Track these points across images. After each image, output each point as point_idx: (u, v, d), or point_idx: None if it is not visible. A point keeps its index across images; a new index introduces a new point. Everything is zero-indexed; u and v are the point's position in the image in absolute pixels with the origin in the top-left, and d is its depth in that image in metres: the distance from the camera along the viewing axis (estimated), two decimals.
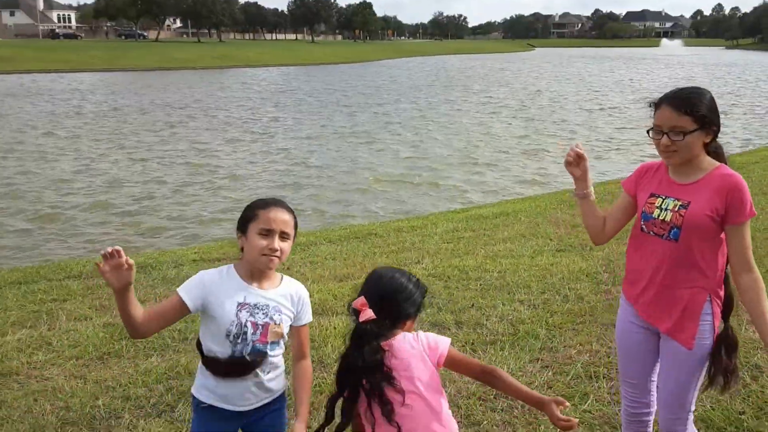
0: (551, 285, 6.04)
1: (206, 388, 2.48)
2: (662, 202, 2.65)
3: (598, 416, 3.69)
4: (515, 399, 3.87)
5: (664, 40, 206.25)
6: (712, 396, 3.81)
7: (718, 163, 2.62)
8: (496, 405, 3.84)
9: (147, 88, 40.90)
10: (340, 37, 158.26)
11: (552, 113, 28.80)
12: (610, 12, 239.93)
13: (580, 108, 30.92)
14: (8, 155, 18.39)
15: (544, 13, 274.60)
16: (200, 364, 2.53)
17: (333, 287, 6.31)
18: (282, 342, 2.52)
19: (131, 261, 2.23)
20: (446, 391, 3.88)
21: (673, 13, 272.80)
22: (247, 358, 2.41)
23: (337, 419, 2.36)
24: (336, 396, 2.35)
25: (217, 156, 18.75)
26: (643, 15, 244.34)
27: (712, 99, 2.59)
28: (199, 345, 2.51)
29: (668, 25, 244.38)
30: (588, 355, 4.50)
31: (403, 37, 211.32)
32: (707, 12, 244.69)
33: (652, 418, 2.90)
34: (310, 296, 6.08)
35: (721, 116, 2.65)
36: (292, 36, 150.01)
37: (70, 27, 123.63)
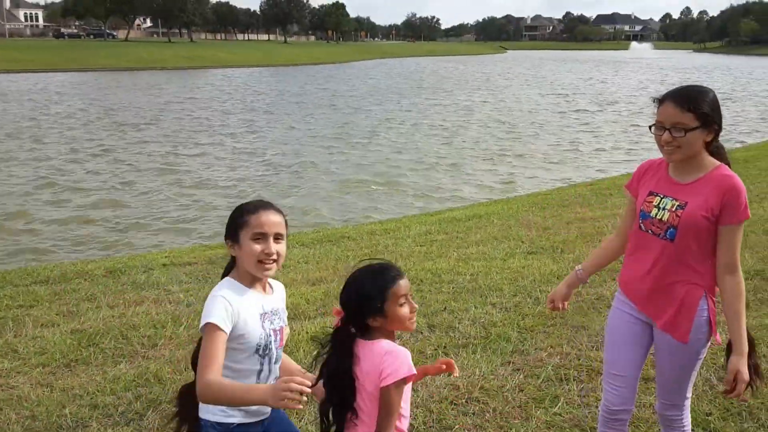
0: (523, 288, 6.08)
1: (238, 409, 2.33)
2: (660, 201, 2.67)
3: (568, 419, 3.72)
4: (486, 403, 3.90)
5: (634, 43, 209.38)
6: None
7: (718, 163, 2.64)
8: (468, 409, 3.85)
9: (114, 89, 40.35)
10: (313, 38, 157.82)
11: (526, 115, 29.03)
12: (581, 15, 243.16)
13: (552, 111, 31.22)
14: None
15: (516, 15, 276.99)
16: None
17: (305, 291, 6.29)
18: None
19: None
20: (418, 395, 3.90)
21: (643, 17, 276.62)
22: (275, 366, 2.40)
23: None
24: (326, 403, 2.32)
25: (184, 160, 18.57)
26: (613, 18, 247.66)
27: (715, 98, 2.60)
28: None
29: (638, 28, 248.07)
30: (559, 357, 4.54)
31: (376, 39, 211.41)
32: (676, 15, 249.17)
33: (629, 417, 2.91)
34: (282, 301, 6.06)
35: None
36: (265, 36, 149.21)
37: (37, 26, 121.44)
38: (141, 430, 3.75)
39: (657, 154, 2.83)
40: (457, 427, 3.69)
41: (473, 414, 3.81)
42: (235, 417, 2.34)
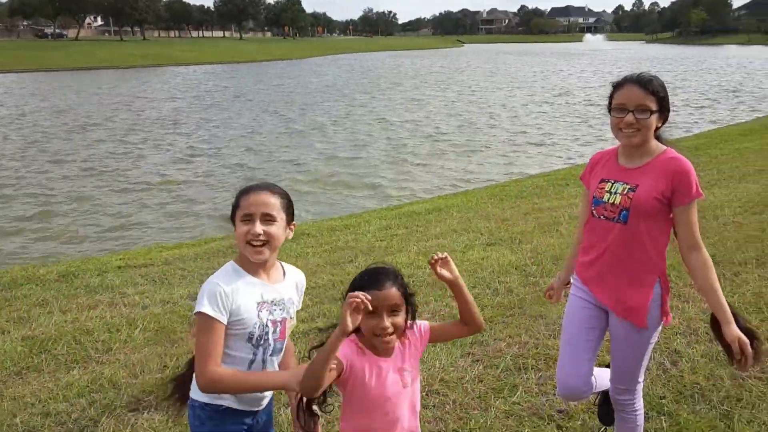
0: (482, 279, 6.12)
1: (229, 395, 2.32)
2: (611, 186, 2.73)
3: (526, 407, 3.76)
4: (446, 395, 3.91)
5: (588, 35, 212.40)
6: None
7: (665, 147, 2.71)
8: (428, 401, 3.86)
9: (60, 90, 39.40)
10: (269, 34, 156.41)
11: (483, 108, 29.24)
12: (536, 8, 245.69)
13: (508, 104, 31.52)
14: None
15: (472, 9, 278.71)
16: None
17: None
18: None
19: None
20: None
21: (596, 9, 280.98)
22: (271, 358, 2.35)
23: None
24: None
25: (140, 158, 18.24)
26: (567, 11, 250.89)
27: (665, 85, 2.70)
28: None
29: (591, 20, 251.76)
30: (517, 347, 4.58)
31: (333, 34, 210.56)
32: (628, 7, 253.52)
33: (592, 381, 2.95)
34: None
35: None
36: (220, 33, 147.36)
37: None
38: None
39: (613, 143, 2.87)
40: None
41: (433, 406, 3.82)
42: (224, 400, 2.29)
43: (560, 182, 11.64)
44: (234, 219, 2.31)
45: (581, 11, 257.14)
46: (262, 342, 2.28)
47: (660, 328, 2.80)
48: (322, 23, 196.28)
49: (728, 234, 6.96)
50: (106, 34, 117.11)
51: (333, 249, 7.90)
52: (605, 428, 3.36)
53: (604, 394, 3.20)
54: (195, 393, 2.32)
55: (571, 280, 3.03)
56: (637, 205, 2.63)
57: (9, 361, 4.72)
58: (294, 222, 2.39)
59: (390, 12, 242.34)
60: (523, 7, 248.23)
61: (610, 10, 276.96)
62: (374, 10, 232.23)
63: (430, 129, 23.35)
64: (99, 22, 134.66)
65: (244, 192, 2.32)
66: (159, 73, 55.60)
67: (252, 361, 2.30)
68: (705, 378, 3.97)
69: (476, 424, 3.60)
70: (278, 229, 2.28)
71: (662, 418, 3.57)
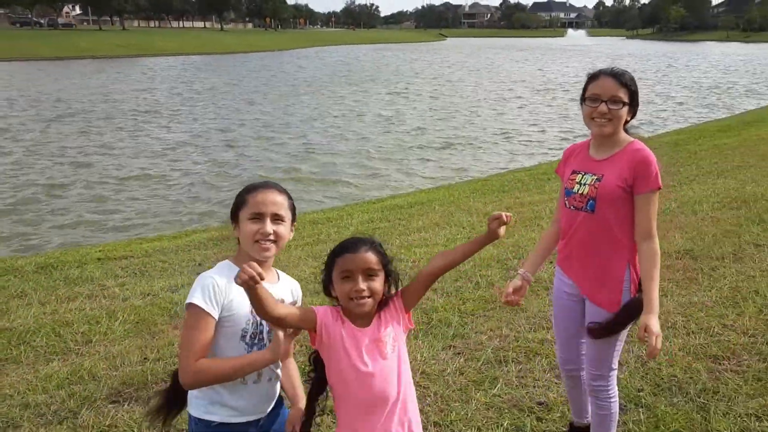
0: (464, 273, 6.15)
1: (222, 405, 2.23)
2: (581, 177, 2.84)
3: (507, 399, 3.79)
4: (427, 387, 3.93)
5: (570, 30, 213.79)
6: None
7: (632, 139, 2.82)
8: None
9: (35, 80, 38.84)
10: (250, 26, 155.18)
11: (466, 103, 29.30)
12: (518, 2, 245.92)
13: (491, 99, 31.61)
14: None
15: (454, 3, 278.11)
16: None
17: None
18: None
19: None
20: None
21: (577, 4, 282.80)
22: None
23: None
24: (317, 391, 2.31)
25: (112, 151, 18.05)
26: (549, 5, 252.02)
27: (635, 81, 2.81)
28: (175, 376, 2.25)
29: (573, 15, 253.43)
30: (498, 340, 4.61)
31: (315, 26, 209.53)
32: (609, 3, 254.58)
33: (582, 374, 3.13)
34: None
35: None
36: (200, 24, 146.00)
37: None
38: (75, 428, 3.64)
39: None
40: None
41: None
42: (215, 415, 2.22)
43: (542, 177, 11.72)
44: (237, 216, 2.27)
45: (563, 6, 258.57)
46: (256, 341, 2.24)
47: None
48: (304, 15, 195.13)
49: (706, 229, 7.06)
50: (85, 24, 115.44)
51: (315, 242, 7.89)
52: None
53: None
54: (191, 408, 2.27)
55: (555, 271, 3.11)
56: (603, 194, 2.73)
57: None
58: (295, 222, 2.37)
59: (372, 4, 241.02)
60: (505, 1, 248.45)
61: (591, 6, 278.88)
62: (356, 2, 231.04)
63: (414, 122, 23.36)
64: (77, 11, 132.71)
65: (251, 189, 2.28)
66: (139, 63, 55.00)
67: None
68: (682, 371, 4.02)
69: (457, 416, 3.63)
70: (285, 229, 2.28)
71: (640, 410, 3.62)
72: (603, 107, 2.71)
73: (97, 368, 4.34)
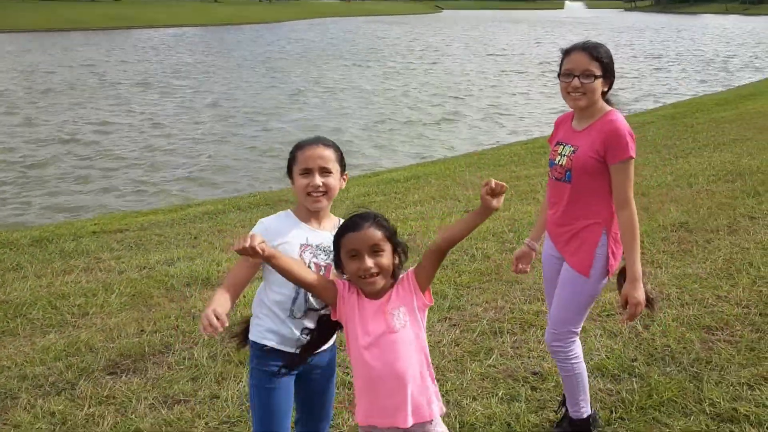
0: (459, 246, 6.05)
1: (273, 332, 2.44)
2: (563, 149, 2.93)
3: (501, 370, 3.83)
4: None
5: (568, 2, 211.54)
6: (606, 345, 4.03)
7: (609, 109, 2.88)
8: None
9: (33, 53, 38.41)
10: None
11: (463, 76, 29.12)
12: None
13: (487, 72, 31.43)
14: None
15: None
16: (257, 311, 2.51)
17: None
18: None
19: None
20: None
21: None
22: (313, 302, 2.41)
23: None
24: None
25: (107, 124, 17.94)
26: None
27: (610, 52, 2.88)
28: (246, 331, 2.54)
29: None
30: (493, 312, 4.64)
31: None
32: None
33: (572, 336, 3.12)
34: (219, 265, 5.99)
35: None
36: None
37: None
38: (73, 399, 3.67)
39: None
40: None
41: None
42: (267, 340, 2.44)
43: (538, 150, 11.69)
44: (291, 173, 2.46)
45: None
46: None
47: (604, 282, 2.93)
48: None
49: (701, 201, 7.07)
50: None
51: None
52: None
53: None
54: (251, 332, 2.50)
55: (544, 237, 3.19)
56: (577, 166, 2.82)
57: None
58: (346, 172, 2.52)
59: None
60: None
61: None
62: None
63: (410, 97, 23.24)
64: None
65: (299, 147, 2.46)
66: (136, 35, 54.40)
67: (295, 299, 2.42)
68: (676, 341, 4.06)
69: (452, 386, 3.66)
70: (335, 180, 2.44)
71: (633, 379, 3.65)
72: (576, 81, 2.78)
73: (94, 340, 4.36)
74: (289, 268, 2.21)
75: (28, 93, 22.47)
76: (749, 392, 3.47)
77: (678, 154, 10.03)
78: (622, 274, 2.89)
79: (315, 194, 2.39)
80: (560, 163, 2.90)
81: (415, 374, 2.22)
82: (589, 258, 2.86)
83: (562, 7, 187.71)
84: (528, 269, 3.23)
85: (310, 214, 2.46)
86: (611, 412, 3.37)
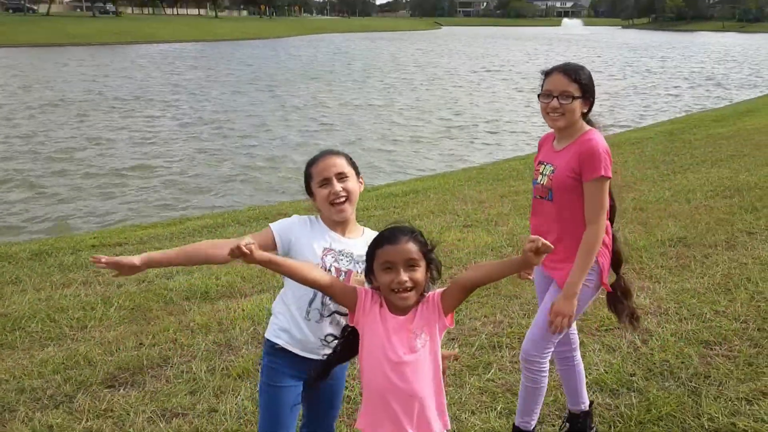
0: (458, 260, 6.17)
1: (285, 331, 2.51)
2: (544, 168, 2.99)
3: (500, 384, 3.83)
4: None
5: (565, 20, 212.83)
6: (605, 360, 4.03)
7: (588, 128, 2.91)
8: None
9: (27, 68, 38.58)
10: (245, 13, 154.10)
11: (464, 92, 29.25)
12: None
13: (487, 88, 31.57)
14: None
15: None
16: (275, 309, 2.59)
17: (241, 269, 6.22)
18: None
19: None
20: (354, 367, 3.93)
21: None
22: (329, 303, 2.45)
23: None
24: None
25: (108, 141, 17.98)
26: None
27: (590, 75, 2.93)
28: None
29: (569, 4, 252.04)
30: (492, 326, 4.64)
31: (311, 14, 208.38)
32: None
33: (573, 354, 3.21)
34: (217, 279, 5.98)
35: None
36: (195, 11, 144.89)
37: None
38: (71, 412, 3.66)
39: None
40: None
41: None
42: (278, 339, 2.52)
43: None
44: (310, 189, 2.55)
45: None
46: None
47: (593, 296, 2.96)
48: (298, 2, 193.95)
49: (699, 217, 7.09)
50: (78, 10, 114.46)
51: None
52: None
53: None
54: (266, 330, 2.59)
55: None
56: (556, 185, 2.87)
57: None
58: (361, 175, 2.60)
59: None
60: None
61: None
62: None
63: (410, 112, 23.33)
64: None
65: (312, 163, 2.55)
66: (130, 50, 54.66)
67: (312, 300, 2.47)
68: (674, 356, 4.06)
69: (451, 400, 3.65)
70: (353, 183, 2.53)
71: (632, 394, 3.65)
72: (554, 102, 2.83)
73: (92, 353, 4.36)
74: (294, 270, 2.23)
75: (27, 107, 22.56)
76: (747, 407, 3.47)
77: (676, 170, 10.06)
78: (613, 291, 2.93)
79: (338, 202, 2.47)
80: (542, 182, 2.95)
81: (428, 393, 2.24)
82: (569, 270, 2.86)
83: (559, 24, 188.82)
84: (532, 275, 3.22)
85: (335, 224, 2.53)
86: (610, 426, 3.37)
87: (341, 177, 2.49)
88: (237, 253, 2.06)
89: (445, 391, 3.67)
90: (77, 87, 28.40)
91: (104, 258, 2.38)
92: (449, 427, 2.33)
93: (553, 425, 3.40)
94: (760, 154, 10.90)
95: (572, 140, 2.89)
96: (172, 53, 51.59)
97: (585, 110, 2.90)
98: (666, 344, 4.21)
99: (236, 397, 3.75)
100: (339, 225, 2.53)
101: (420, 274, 2.20)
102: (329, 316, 2.49)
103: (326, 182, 2.48)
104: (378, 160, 15.66)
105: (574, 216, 2.85)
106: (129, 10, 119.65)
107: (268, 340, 2.56)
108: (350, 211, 2.51)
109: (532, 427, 3.13)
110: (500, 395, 3.71)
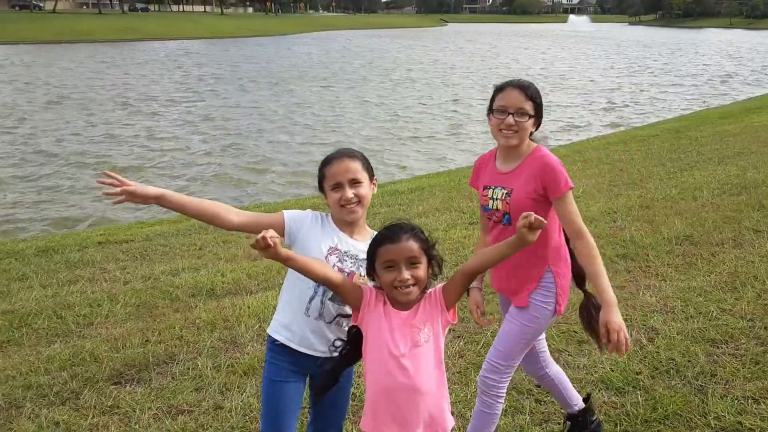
0: (464, 257, 6.16)
1: (285, 327, 2.53)
2: (492, 192, 2.82)
3: None
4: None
5: (571, 17, 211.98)
6: (610, 358, 4.01)
7: (535, 145, 2.81)
8: None
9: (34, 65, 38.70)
10: (251, 10, 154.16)
11: (468, 90, 29.21)
12: None
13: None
14: None
15: None
16: (280, 303, 2.61)
17: (247, 266, 6.23)
18: None
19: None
20: (359, 365, 3.93)
21: None
22: (329, 303, 2.46)
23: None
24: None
25: (110, 137, 18.03)
26: None
27: (540, 93, 2.83)
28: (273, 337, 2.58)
29: (575, 1, 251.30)
30: (497, 324, 4.60)
31: (318, 11, 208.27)
32: None
33: (547, 372, 3.15)
34: (223, 276, 6.00)
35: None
36: (200, 8, 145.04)
37: None
38: (78, 409, 3.68)
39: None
40: None
41: None
42: (279, 335, 2.54)
43: None
44: (323, 188, 2.56)
45: None
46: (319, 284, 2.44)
47: (551, 318, 2.83)
48: None
49: (706, 215, 7.06)
50: (84, 7, 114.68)
51: None
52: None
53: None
54: (270, 326, 2.60)
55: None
56: (515, 208, 2.70)
57: None
58: (375, 178, 2.60)
59: None
60: None
61: None
62: None
63: (415, 111, 23.30)
64: None
65: (327, 162, 2.55)
66: (137, 48, 54.75)
67: (312, 298, 2.48)
68: (680, 354, 4.05)
69: (456, 398, 3.65)
70: (365, 189, 2.52)
71: (638, 392, 3.64)
72: (510, 119, 2.71)
73: (98, 350, 4.37)
74: (308, 266, 2.26)
75: (29, 103, 22.63)
76: (754, 406, 3.46)
77: (683, 167, 10.02)
78: (584, 309, 2.81)
79: (349, 206, 2.48)
80: (495, 207, 2.80)
81: (432, 389, 2.24)
82: (530, 290, 2.79)
83: (565, 21, 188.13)
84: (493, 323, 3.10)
85: (344, 224, 2.54)
86: (616, 425, 3.37)
87: (354, 183, 2.49)
88: (262, 244, 2.08)
89: (451, 390, 3.69)
90: (82, 84, 28.47)
91: (118, 180, 2.37)
92: (453, 424, 2.34)
93: (558, 423, 3.40)
94: (767, 152, 10.84)
95: (521, 160, 2.78)
96: (176, 51, 51.65)
97: (533, 130, 2.80)
98: (672, 342, 4.20)
99: (242, 395, 3.75)
100: (348, 226, 2.54)
101: (422, 270, 2.22)
102: (331, 321, 2.49)
103: (338, 186, 2.48)
104: (384, 156, 15.65)
105: None
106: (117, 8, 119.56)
107: (269, 335, 2.58)
108: (361, 213, 2.51)
109: None
110: (506, 393, 3.70)
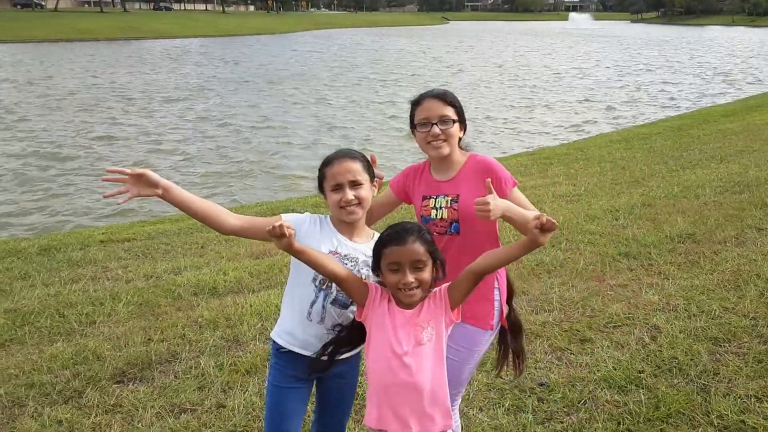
0: None
1: (288, 332, 2.52)
2: (434, 202, 2.72)
3: (508, 381, 3.81)
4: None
5: (573, 14, 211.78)
6: (613, 356, 4.01)
7: (469, 153, 2.78)
8: None
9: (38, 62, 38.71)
10: (252, 8, 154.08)
11: (472, 87, 29.20)
12: None
13: (497, 83, 31.49)
14: None
15: None
16: (282, 308, 2.60)
17: (249, 265, 6.24)
18: None
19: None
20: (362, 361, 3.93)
21: None
22: (331, 308, 2.46)
23: None
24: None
25: (108, 138, 18.03)
26: None
27: (458, 98, 2.80)
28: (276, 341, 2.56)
29: None
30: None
31: (319, 9, 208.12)
32: None
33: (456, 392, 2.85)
34: (225, 274, 6.00)
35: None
36: (202, 6, 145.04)
37: None
38: (80, 407, 3.68)
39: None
40: None
41: None
42: (281, 339, 2.52)
43: (544, 161, 11.70)
44: (322, 189, 2.54)
45: None
46: (324, 287, 2.46)
47: (494, 333, 2.76)
48: None
49: (708, 213, 7.05)
50: (86, 6, 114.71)
51: None
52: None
53: None
54: (273, 330, 2.58)
55: None
56: (464, 214, 2.64)
57: None
58: (376, 179, 2.59)
59: None
60: None
61: None
62: None
63: None
64: None
65: (327, 163, 2.53)
66: (137, 46, 54.74)
67: (313, 302, 2.47)
68: (683, 353, 4.04)
69: None
70: (366, 191, 2.50)
71: (641, 391, 3.64)
72: (435, 129, 2.65)
73: (101, 349, 4.38)
74: (318, 261, 2.27)
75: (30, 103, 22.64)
76: (757, 404, 3.45)
77: (685, 165, 10.01)
78: (512, 321, 2.77)
79: (349, 208, 2.46)
80: (440, 216, 2.68)
81: (434, 388, 2.24)
82: (490, 309, 2.69)
83: (566, 19, 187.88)
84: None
85: (344, 225, 2.52)
86: (618, 423, 3.36)
87: (355, 184, 2.46)
88: (278, 232, 2.10)
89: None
90: (85, 82, 28.48)
91: (128, 170, 2.35)
92: (456, 422, 2.33)
93: (561, 422, 3.40)
94: None
95: (460, 167, 2.72)
96: (176, 49, 51.63)
97: (461, 135, 2.75)
98: (675, 341, 4.19)
99: (244, 393, 3.76)
100: (347, 228, 2.52)
101: (426, 273, 2.23)
102: (332, 328, 2.47)
103: (339, 188, 2.46)
104: (387, 154, 15.64)
105: (481, 244, 2.59)
106: (136, 5, 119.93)
107: (273, 340, 2.57)
108: (360, 214, 2.49)
109: None
110: (508, 392, 3.71)
